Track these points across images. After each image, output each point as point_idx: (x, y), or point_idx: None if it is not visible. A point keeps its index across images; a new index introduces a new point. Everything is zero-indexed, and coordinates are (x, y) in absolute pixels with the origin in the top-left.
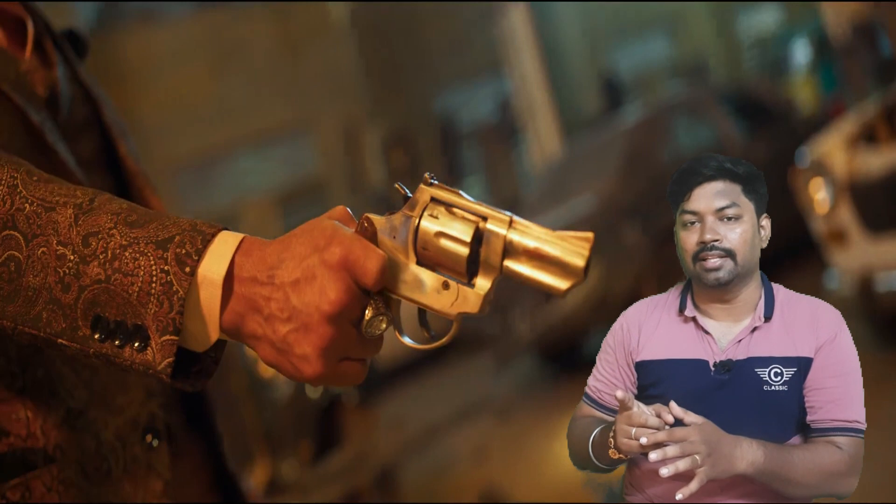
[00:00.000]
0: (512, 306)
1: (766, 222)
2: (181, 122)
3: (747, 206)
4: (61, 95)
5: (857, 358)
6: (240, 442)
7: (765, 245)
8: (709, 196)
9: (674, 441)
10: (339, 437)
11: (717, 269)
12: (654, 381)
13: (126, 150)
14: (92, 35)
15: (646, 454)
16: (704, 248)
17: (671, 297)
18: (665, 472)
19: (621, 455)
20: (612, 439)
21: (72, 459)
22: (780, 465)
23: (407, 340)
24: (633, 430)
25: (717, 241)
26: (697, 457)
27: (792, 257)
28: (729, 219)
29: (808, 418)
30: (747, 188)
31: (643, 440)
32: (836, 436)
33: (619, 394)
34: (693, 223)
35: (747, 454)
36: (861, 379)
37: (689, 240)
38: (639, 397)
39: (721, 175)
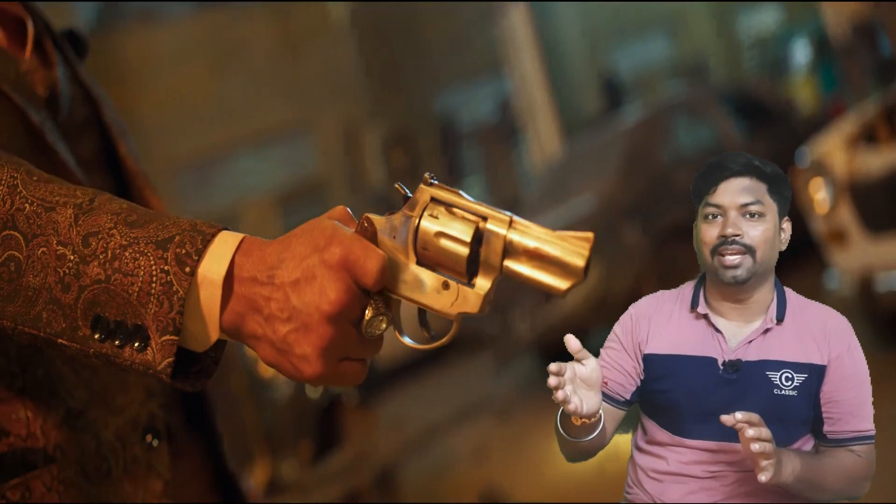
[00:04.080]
0: (512, 306)
1: (786, 225)
2: (181, 122)
3: (771, 206)
4: (61, 95)
5: (866, 364)
6: (240, 442)
7: (784, 248)
8: (734, 191)
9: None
10: (339, 437)
11: (735, 267)
12: (661, 375)
13: (126, 150)
14: (92, 35)
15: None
16: (725, 241)
17: (684, 292)
18: (756, 447)
19: (583, 419)
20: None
21: (72, 459)
22: (814, 472)
23: (407, 340)
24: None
25: (738, 235)
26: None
27: (792, 257)
28: (752, 215)
29: (825, 428)
30: (773, 188)
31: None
32: (853, 445)
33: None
34: (715, 217)
35: (789, 463)
36: (870, 385)
37: (709, 233)
38: (644, 391)
39: (748, 172)
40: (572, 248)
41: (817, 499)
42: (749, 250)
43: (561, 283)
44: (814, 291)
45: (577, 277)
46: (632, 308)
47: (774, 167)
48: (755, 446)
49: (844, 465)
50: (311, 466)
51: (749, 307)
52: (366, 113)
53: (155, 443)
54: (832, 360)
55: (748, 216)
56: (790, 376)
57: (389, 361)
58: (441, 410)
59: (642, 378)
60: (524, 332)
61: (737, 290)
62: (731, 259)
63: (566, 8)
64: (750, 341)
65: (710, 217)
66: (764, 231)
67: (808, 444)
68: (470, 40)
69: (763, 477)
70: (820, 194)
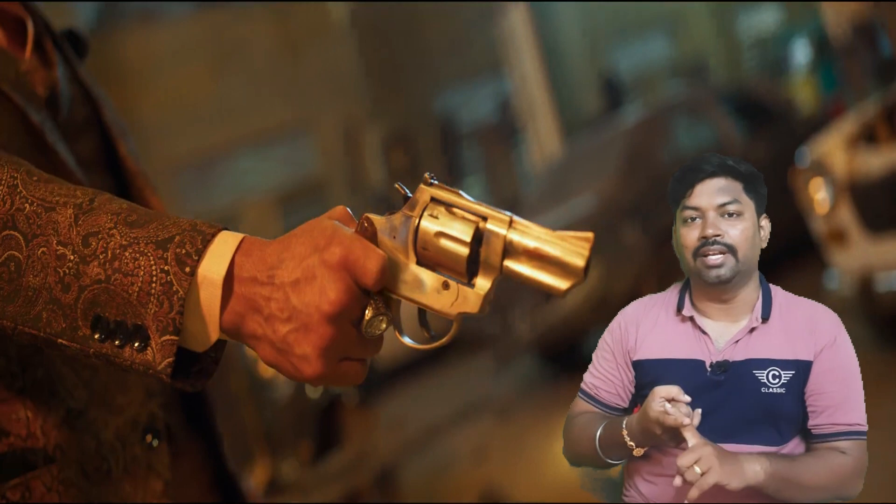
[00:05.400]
0: (512, 306)
1: (765, 223)
2: (181, 122)
3: (748, 205)
4: (61, 95)
5: (857, 360)
6: (240, 442)
7: (764, 245)
8: (711, 192)
9: (690, 462)
10: (339, 437)
11: (718, 266)
12: (651, 380)
13: (126, 150)
14: (92, 35)
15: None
16: (706, 243)
17: (669, 295)
18: (695, 494)
19: (641, 448)
20: (626, 436)
21: (72, 459)
22: (790, 469)
23: (407, 340)
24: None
25: (718, 236)
26: (717, 469)
27: (792, 257)
28: (730, 215)
29: (810, 423)
30: (748, 187)
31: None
32: (838, 440)
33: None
34: (694, 219)
35: (751, 463)
36: (861, 381)
37: (689, 236)
38: (636, 396)
39: (723, 172)
40: (572, 248)
41: (807, 499)
42: (730, 249)
43: (561, 283)
44: (814, 291)
45: (577, 277)
46: (620, 315)
47: (748, 165)
48: (689, 474)
49: (830, 463)
50: (311, 466)
51: (734, 307)
52: (366, 113)
53: (155, 443)
54: (818, 354)
55: (726, 216)
56: (777, 374)
57: (389, 361)
58: (441, 410)
59: (634, 385)
60: (524, 332)
61: (721, 290)
62: (714, 259)
63: (566, 8)
64: (736, 341)
65: (689, 220)
66: (743, 230)
67: (800, 447)
68: (470, 40)
69: (701, 480)
70: (820, 194)
